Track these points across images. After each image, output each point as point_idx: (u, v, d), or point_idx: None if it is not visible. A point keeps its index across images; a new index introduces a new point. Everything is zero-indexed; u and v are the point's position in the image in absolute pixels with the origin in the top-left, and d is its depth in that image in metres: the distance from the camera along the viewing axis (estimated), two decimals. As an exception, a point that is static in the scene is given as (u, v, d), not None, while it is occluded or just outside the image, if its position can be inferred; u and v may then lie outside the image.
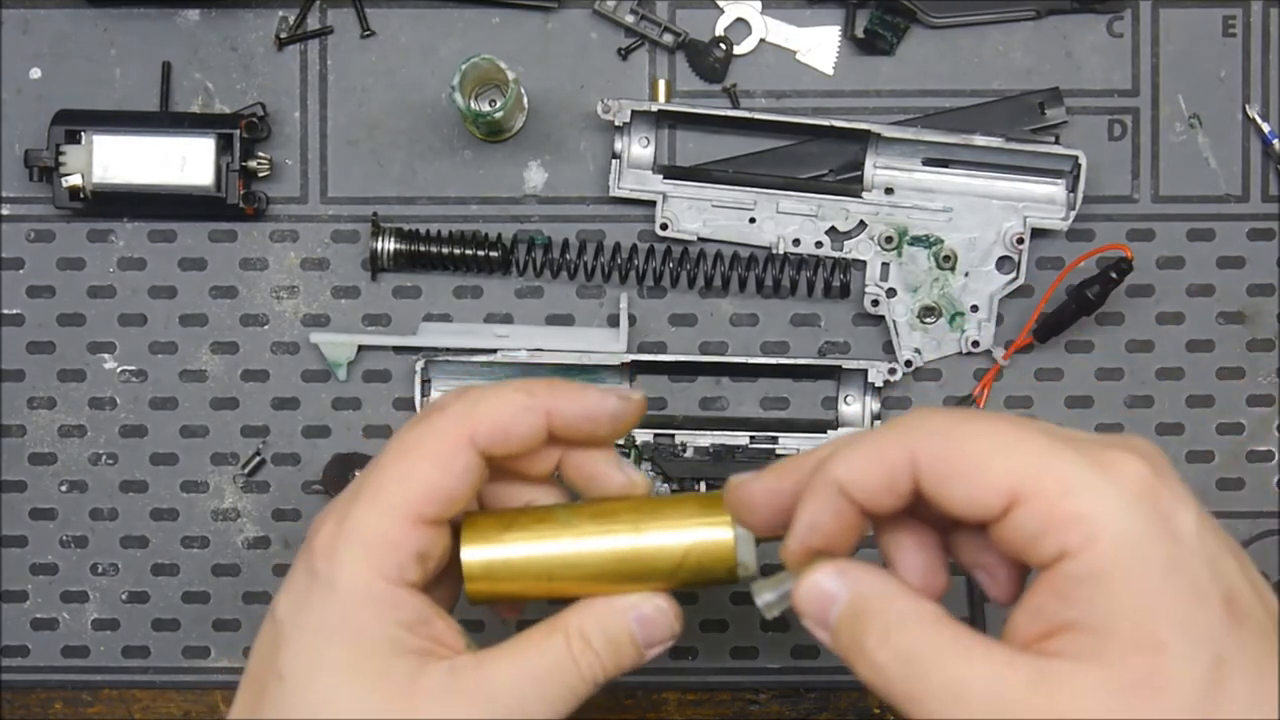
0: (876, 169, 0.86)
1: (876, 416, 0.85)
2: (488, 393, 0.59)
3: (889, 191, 0.86)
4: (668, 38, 0.86)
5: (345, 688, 0.56)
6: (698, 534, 0.60)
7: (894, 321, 0.86)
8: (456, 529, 0.61)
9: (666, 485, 0.85)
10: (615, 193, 0.85)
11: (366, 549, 0.57)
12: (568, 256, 0.85)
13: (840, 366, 0.85)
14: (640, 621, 0.60)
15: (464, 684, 0.57)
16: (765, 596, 0.58)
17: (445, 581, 0.62)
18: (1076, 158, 0.84)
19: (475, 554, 0.60)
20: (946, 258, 0.85)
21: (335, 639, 0.56)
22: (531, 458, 0.61)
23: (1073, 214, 0.84)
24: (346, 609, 0.57)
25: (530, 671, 0.58)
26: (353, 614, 0.56)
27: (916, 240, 0.85)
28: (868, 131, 0.84)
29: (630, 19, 0.86)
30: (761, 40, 0.86)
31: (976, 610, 0.86)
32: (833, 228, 0.86)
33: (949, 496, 0.52)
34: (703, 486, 0.85)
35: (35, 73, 0.86)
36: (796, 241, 0.86)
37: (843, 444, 0.55)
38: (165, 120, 0.84)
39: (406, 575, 0.57)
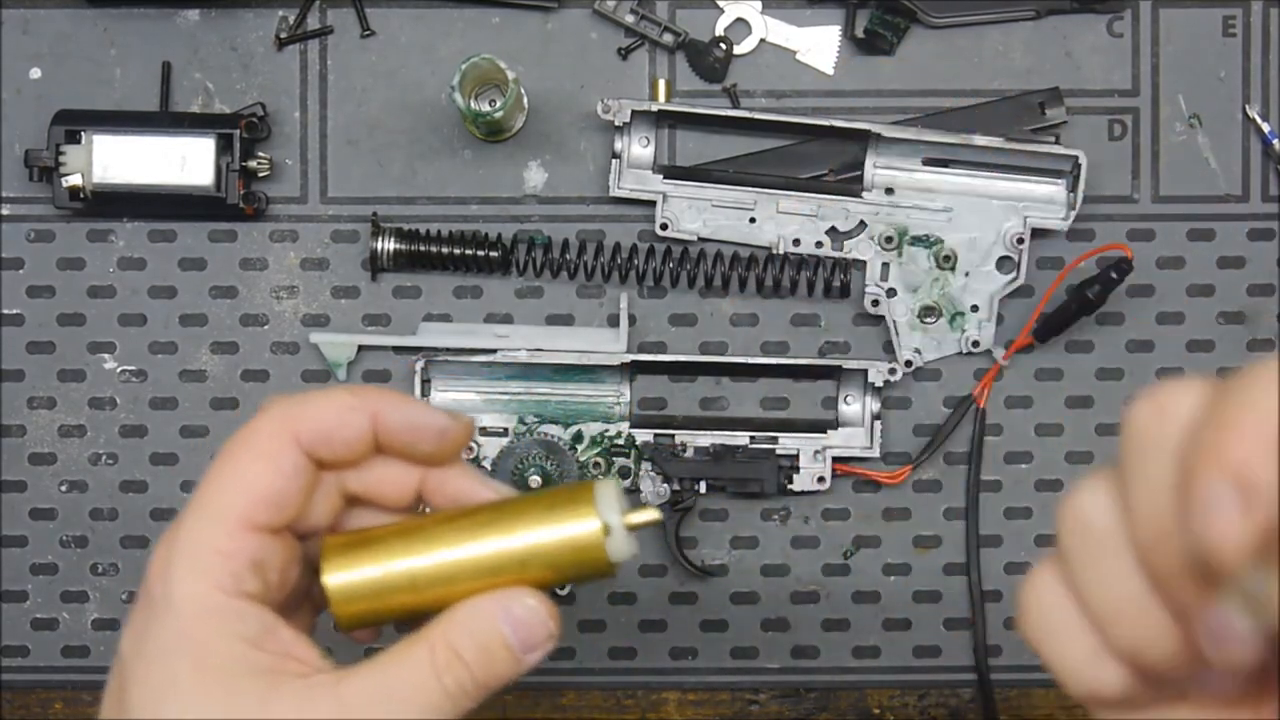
0: (876, 169, 0.86)
1: (876, 417, 0.85)
2: (313, 394, 0.56)
3: (889, 191, 0.86)
4: (668, 38, 0.86)
5: (194, 712, 0.52)
6: (566, 526, 0.55)
7: (894, 321, 0.86)
8: (314, 553, 0.58)
9: (667, 485, 0.85)
10: (615, 193, 0.85)
11: (197, 560, 0.53)
12: (568, 256, 0.85)
13: (840, 366, 0.85)
14: (512, 624, 0.54)
15: (319, 704, 0.52)
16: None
17: (302, 608, 0.59)
18: (1076, 158, 0.84)
19: (336, 574, 0.55)
20: (946, 258, 0.85)
21: (178, 661, 0.52)
22: (387, 485, 0.57)
23: (1073, 214, 0.84)
24: (185, 626, 0.53)
25: (390, 688, 0.53)
26: (192, 630, 0.53)
27: (916, 240, 0.86)
28: (868, 131, 0.84)
29: (630, 19, 0.86)
30: (761, 40, 0.86)
31: (977, 609, 0.86)
32: (833, 228, 0.86)
33: None
34: (703, 486, 0.85)
35: (35, 73, 0.86)
36: (796, 241, 0.86)
37: None
38: (165, 120, 0.84)
39: (244, 585, 0.53)
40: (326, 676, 0.53)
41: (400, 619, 0.56)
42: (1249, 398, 0.36)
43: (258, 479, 0.54)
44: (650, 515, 0.55)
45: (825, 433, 0.86)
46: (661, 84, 0.86)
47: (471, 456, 0.85)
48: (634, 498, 0.86)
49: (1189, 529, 0.36)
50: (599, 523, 0.55)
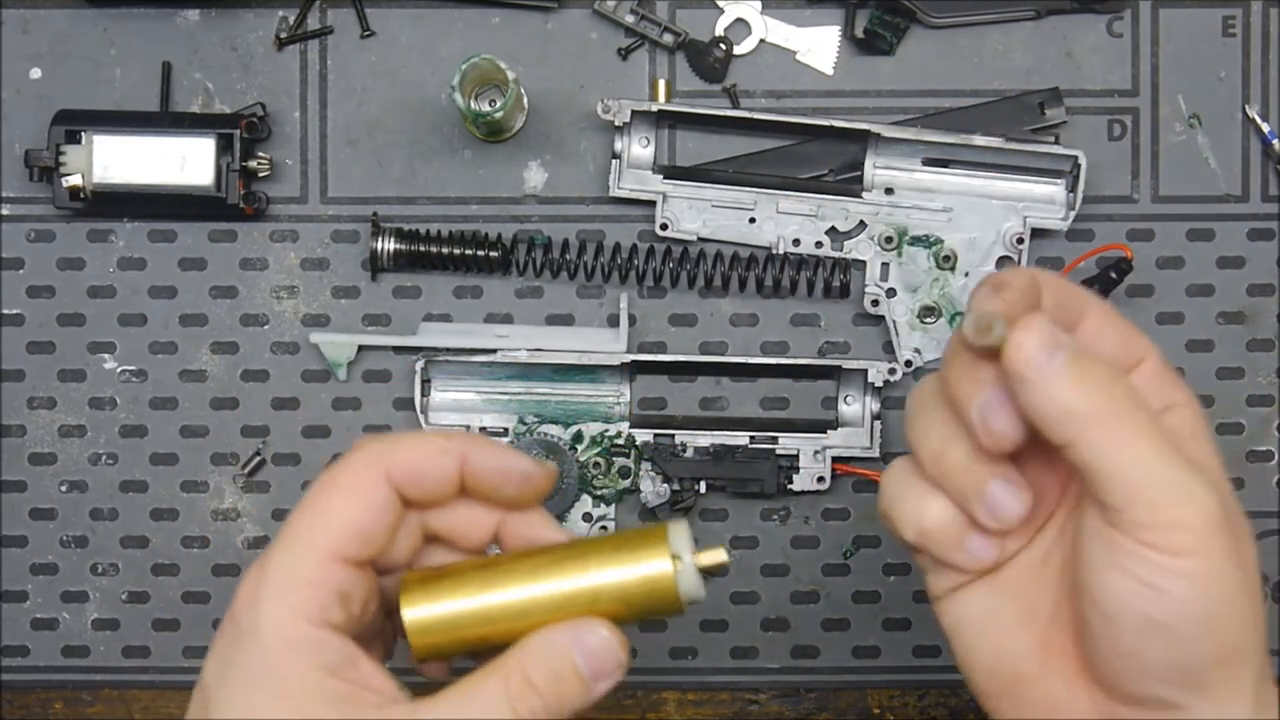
0: (876, 169, 0.86)
1: (876, 417, 0.85)
2: (406, 434, 0.59)
3: (889, 191, 0.86)
4: (668, 38, 0.86)
5: None
6: (639, 562, 0.57)
7: (894, 321, 0.86)
8: (391, 588, 0.60)
9: (667, 485, 0.85)
10: (615, 193, 0.85)
11: (286, 590, 0.55)
12: (568, 256, 0.85)
13: (840, 366, 0.85)
14: (584, 653, 0.56)
15: None
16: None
17: (378, 640, 0.61)
18: (1076, 158, 0.84)
19: (414, 608, 0.58)
20: (946, 258, 0.85)
21: (261, 690, 0.54)
22: (467, 526, 0.60)
23: (1073, 214, 0.84)
24: (269, 655, 0.55)
25: (465, 716, 0.55)
26: (276, 659, 0.55)
27: (916, 240, 0.86)
28: (868, 131, 0.84)
29: (630, 19, 0.86)
30: (761, 40, 0.86)
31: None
32: (833, 228, 0.86)
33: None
34: (703, 486, 0.85)
35: (35, 73, 0.86)
36: (796, 241, 0.86)
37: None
38: (165, 120, 0.84)
39: (329, 616, 0.55)
40: (403, 707, 0.55)
41: (474, 652, 0.58)
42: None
43: (348, 513, 0.56)
44: (720, 557, 0.58)
45: (825, 433, 0.86)
46: (661, 84, 0.86)
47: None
48: (634, 498, 0.86)
49: (962, 328, 0.53)
50: (669, 560, 0.57)
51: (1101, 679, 0.56)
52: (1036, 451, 0.57)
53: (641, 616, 0.58)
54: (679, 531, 0.57)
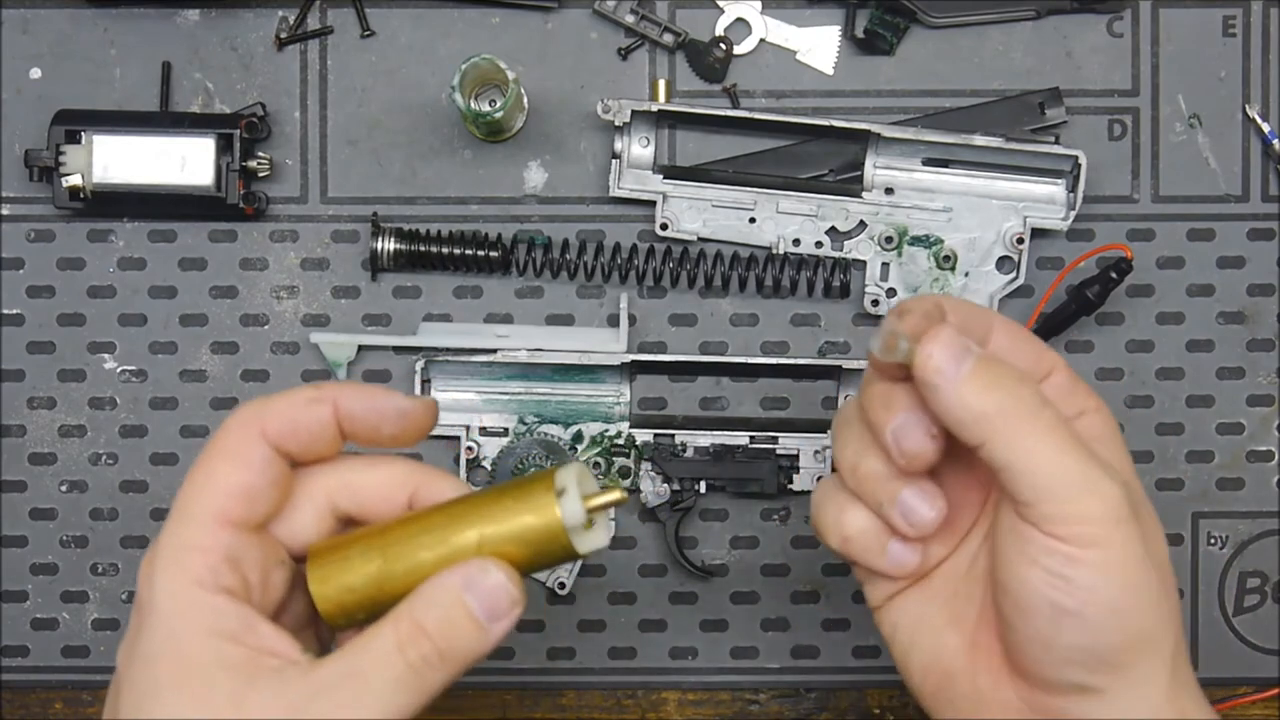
0: (876, 169, 0.86)
1: (876, 416, 0.85)
2: (280, 392, 0.59)
3: (889, 191, 0.86)
4: (668, 38, 0.86)
5: (174, 712, 0.54)
6: (525, 506, 0.57)
7: (894, 321, 0.86)
8: (296, 558, 0.60)
9: (667, 485, 0.85)
10: (615, 193, 0.85)
11: (175, 558, 0.55)
12: (568, 256, 0.86)
13: (840, 366, 0.85)
14: (476, 594, 0.56)
15: (291, 693, 0.54)
16: None
17: (311, 626, 0.61)
18: (1076, 158, 0.84)
19: (318, 573, 0.58)
20: (946, 258, 0.85)
21: (161, 662, 0.55)
22: (378, 501, 0.59)
23: (1073, 214, 0.84)
24: (165, 625, 0.55)
25: (356, 667, 0.55)
26: (172, 629, 0.55)
27: (916, 240, 0.86)
28: (868, 131, 0.84)
29: (630, 19, 0.86)
30: (761, 40, 0.86)
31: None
32: (833, 228, 0.86)
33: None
34: (703, 486, 0.85)
35: (35, 73, 0.86)
36: (796, 241, 0.86)
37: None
38: (165, 120, 0.84)
39: (221, 580, 0.55)
40: (301, 665, 0.55)
41: (381, 612, 0.57)
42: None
43: (227, 475, 0.56)
44: (611, 495, 0.57)
45: (825, 433, 0.86)
46: (661, 84, 0.86)
47: (471, 456, 0.85)
48: (634, 498, 0.86)
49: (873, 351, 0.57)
50: (555, 501, 0.56)
51: (1023, 669, 0.59)
52: (956, 462, 0.61)
53: (538, 560, 0.57)
54: (568, 472, 0.57)
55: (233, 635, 0.55)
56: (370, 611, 0.58)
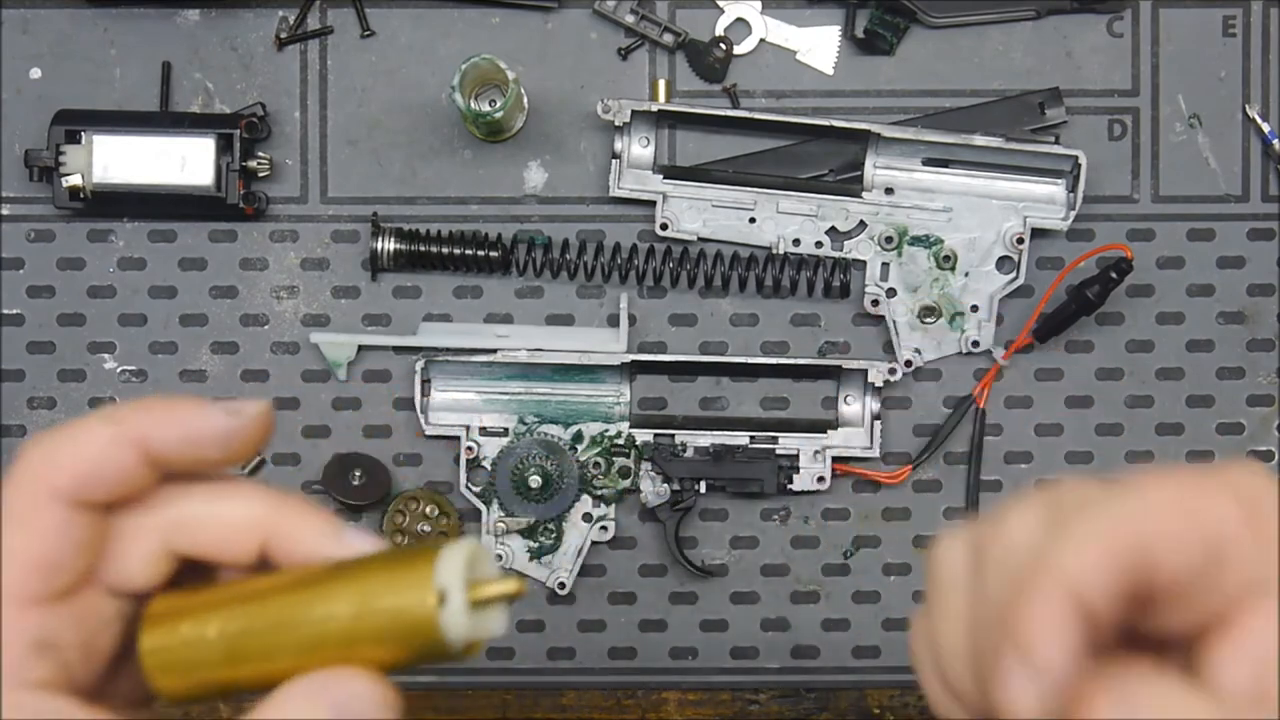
0: (876, 169, 0.86)
1: (876, 417, 0.85)
2: (69, 431, 0.48)
3: (889, 191, 0.86)
4: (668, 38, 0.86)
5: None
6: (395, 595, 0.46)
7: (894, 321, 0.86)
8: (135, 595, 0.50)
9: (667, 485, 0.85)
10: (615, 193, 0.85)
11: None
12: (568, 256, 0.85)
13: (840, 366, 0.85)
14: (337, 710, 0.46)
15: None
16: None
17: (127, 676, 0.51)
18: (1076, 158, 0.84)
19: (152, 644, 0.48)
20: (946, 258, 0.85)
21: None
22: (221, 542, 0.49)
23: (1073, 214, 0.84)
24: None
25: None
26: None
27: (916, 240, 0.86)
28: (868, 131, 0.84)
29: (630, 19, 0.86)
30: (761, 40, 0.86)
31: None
32: (833, 228, 0.86)
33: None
34: (703, 486, 0.85)
35: (35, 73, 0.86)
36: (796, 241, 0.86)
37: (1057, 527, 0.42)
38: (165, 120, 0.84)
39: (30, 673, 0.47)
40: None
41: (225, 695, 0.49)
42: (1055, 558, 0.40)
43: (17, 547, 0.47)
44: (506, 586, 0.46)
45: (825, 433, 0.86)
46: (661, 84, 0.86)
47: (471, 456, 0.85)
48: (634, 498, 0.86)
49: (994, 689, 0.41)
50: (433, 594, 0.46)
51: None
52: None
53: (412, 662, 0.47)
54: (451, 558, 0.46)
55: None
56: (215, 695, 0.49)
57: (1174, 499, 0.41)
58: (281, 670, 0.47)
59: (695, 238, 0.86)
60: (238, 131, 0.84)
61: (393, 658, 0.47)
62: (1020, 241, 0.85)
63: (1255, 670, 0.40)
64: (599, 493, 0.85)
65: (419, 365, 0.85)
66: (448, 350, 0.85)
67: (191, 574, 0.50)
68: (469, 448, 0.85)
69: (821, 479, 0.85)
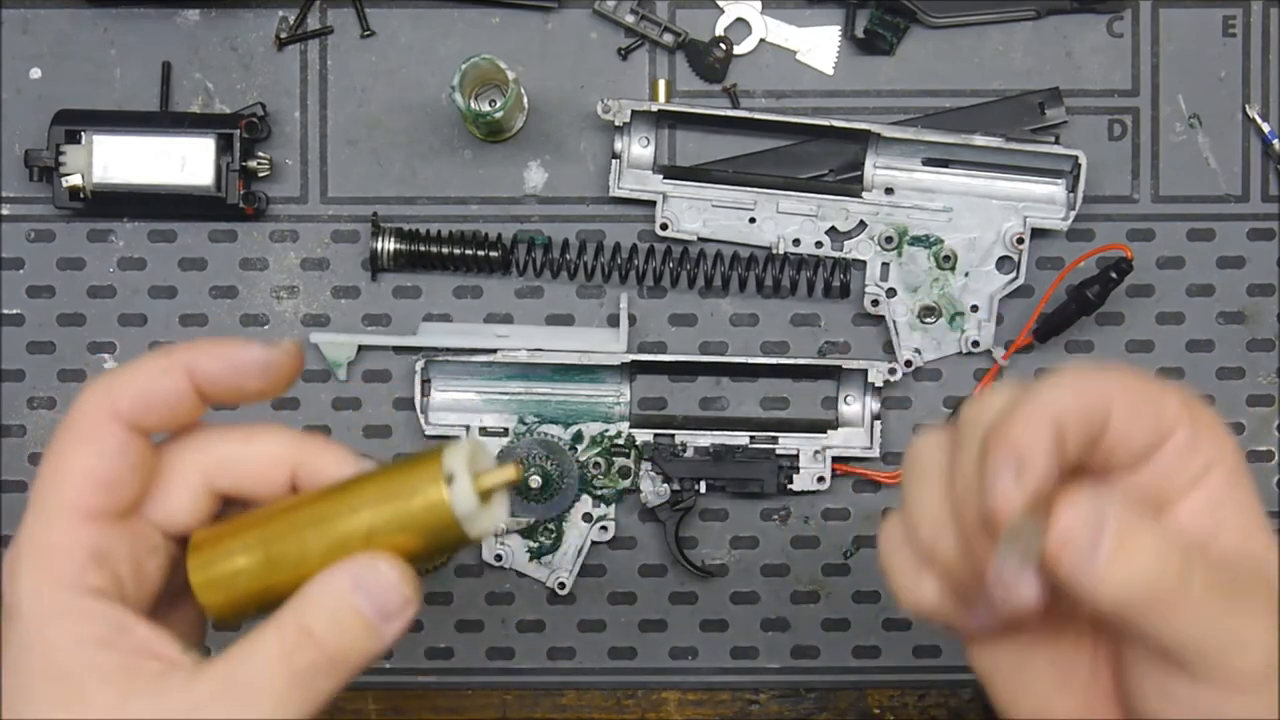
0: (876, 169, 0.86)
1: (876, 417, 0.85)
2: (125, 365, 0.54)
3: (889, 191, 0.86)
4: (668, 38, 0.86)
5: None
6: (409, 488, 0.52)
7: (894, 321, 0.86)
8: (177, 540, 0.55)
9: (667, 485, 0.85)
10: (615, 193, 0.85)
11: (36, 559, 0.51)
12: (568, 256, 0.86)
13: (840, 366, 0.85)
14: (365, 592, 0.51)
15: (171, 704, 0.51)
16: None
17: (181, 606, 0.56)
18: (1076, 158, 0.84)
19: (198, 564, 0.54)
20: (946, 258, 0.85)
21: (33, 671, 0.51)
22: (257, 478, 0.55)
23: (1073, 214, 0.84)
24: (33, 632, 0.51)
25: (239, 677, 0.51)
26: (39, 635, 0.51)
27: (916, 240, 0.86)
28: (868, 131, 0.84)
29: (630, 19, 0.86)
30: (761, 40, 0.86)
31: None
32: (833, 228, 0.86)
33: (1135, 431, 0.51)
34: (703, 486, 0.85)
35: (35, 73, 0.86)
36: (796, 241, 0.86)
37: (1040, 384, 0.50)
38: (165, 120, 0.84)
39: (89, 580, 0.51)
40: (182, 672, 0.51)
41: (265, 607, 0.53)
42: (1036, 394, 0.49)
43: (81, 464, 0.52)
44: (504, 474, 0.52)
45: (825, 433, 0.86)
46: (661, 84, 0.86)
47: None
48: (634, 498, 0.86)
49: (982, 491, 0.48)
50: (444, 488, 0.51)
51: None
52: None
53: (431, 549, 0.53)
54: (457, 453, 0.52)
55: (105, 641, 0.51)
56: (259, 606, 0.54)
57: (1135, 382, 0.51)
58: (313, 571, 0.52)
59: (695, 238, 0.86)
60: (238, 131, 0.84)
61: (412, 545, 0.52)
62: (1020, 241, 0.85)
63: (1203, 525, 0.51)
64: (599, 493, 0.86)
65: (419, 365, 0.85)
66: (448, 350, 0.85)
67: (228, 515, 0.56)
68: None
69: (821, 479, 0.85)
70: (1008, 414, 0.49)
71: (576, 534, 0.86)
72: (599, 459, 0.85)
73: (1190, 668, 0.50)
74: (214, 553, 0.54)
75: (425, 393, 0.85)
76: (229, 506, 0.56)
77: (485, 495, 0.52)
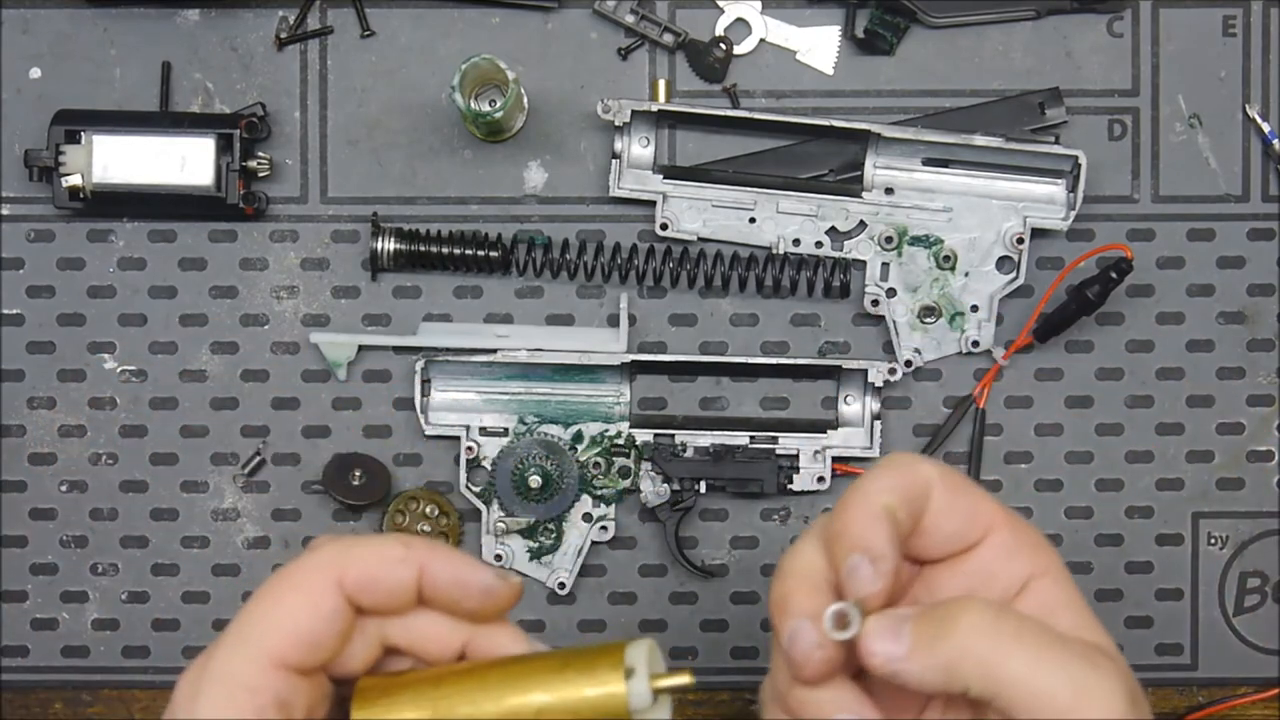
0: (876, 169, 0.86)
1: (876, 417, 0.85)
2: (364, 539, 0.56)
3: (889, 191, 0.86)
4: (668, 38, 0.86)
5: None
6: (589, 684, 0.54)
7: (894, 321, 0.86)
8: (345, 694, 0.58)
9: (667, 485, 0.85)
10: (615, 193, 0.85)
11: (224, 692, 0.53)
12: (568, 256, 0.86)
13: (840, 366, 0.85)
14: None
15: None
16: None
17: None
18: (1076, 158, 0.84)
19: (366, 711, 0.55)
20: (946, 258, 0.85)
21: None
22: (429, 641, 0.57)
23: (1073, 214, 0.84)
24: None
25: None
26: None
27: (916, 240, 0.86)
28: (868, 131, 0.84)
29: (630, 19, 0.86)
30: (761, 40, 0.86)
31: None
32: (833, 228, 0.86)
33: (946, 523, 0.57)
34: (703, 486, 0.85)
35: (35, 73, 0.86)
36: (796, 241, 0.86)
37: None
38: (165, 120, 0.84)
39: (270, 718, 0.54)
40: None
41: None
42: (861, 484, 0.56)
43: (295, 619, 0.54)
44: (681, 680, 0.54)
45: (825, 433, 0.86)
46: (661, 84, 0.86)
47: (471, 456, 0.85)
48: (634, 498, 0.86)
49: (843, 587, 0.55)
50: (623, 684, 0.53)
51: None
52: None
53: None
54: (638, 651, 0.54)
55: None
56: None
57: (953, 472, 0.57)
58: None
59: (695, 238, 0.86)
60: (238, 131, 0.84)
61: None
62: (1020, 241, 0.85)
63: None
64: (599, 493, 0.86)
65: (419, 365, 0.85)
66: (448, 350, 0.85)
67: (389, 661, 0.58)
68: (469, 448, 0.85)
69: (821, 479, 0.85)
70: (839, 507, 0.55)
71: (576, 534, 0.86)
72: (599, 459, 0.85)
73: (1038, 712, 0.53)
74: (381, 703, 0.55)
75: (425, 393, 0.85)
76: (389, 657, 0.58)
77: (657, 694, 0.54)
